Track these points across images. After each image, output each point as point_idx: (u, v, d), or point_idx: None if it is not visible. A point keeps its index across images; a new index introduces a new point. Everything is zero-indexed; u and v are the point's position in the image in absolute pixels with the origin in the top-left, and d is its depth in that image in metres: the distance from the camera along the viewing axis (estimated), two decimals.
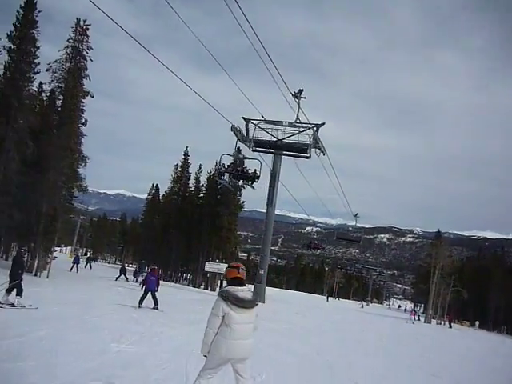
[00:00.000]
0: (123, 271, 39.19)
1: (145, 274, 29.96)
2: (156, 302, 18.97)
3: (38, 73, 32.04)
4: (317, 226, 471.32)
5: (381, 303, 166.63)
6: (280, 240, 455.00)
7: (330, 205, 48.38)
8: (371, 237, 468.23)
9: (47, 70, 34.74)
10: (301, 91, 36.21)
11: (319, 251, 52.32)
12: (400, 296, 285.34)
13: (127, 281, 37.88)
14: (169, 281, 67.04)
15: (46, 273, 31.38)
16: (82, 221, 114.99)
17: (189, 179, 69.96)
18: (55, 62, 35.09)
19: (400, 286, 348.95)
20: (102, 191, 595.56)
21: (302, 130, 36.66)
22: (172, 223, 68.11)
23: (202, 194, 67.93)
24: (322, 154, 37.19)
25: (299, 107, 36.50)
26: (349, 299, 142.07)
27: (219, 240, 58.38)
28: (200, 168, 68.53)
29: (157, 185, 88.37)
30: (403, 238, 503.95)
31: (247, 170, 32.66)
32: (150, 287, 19.33)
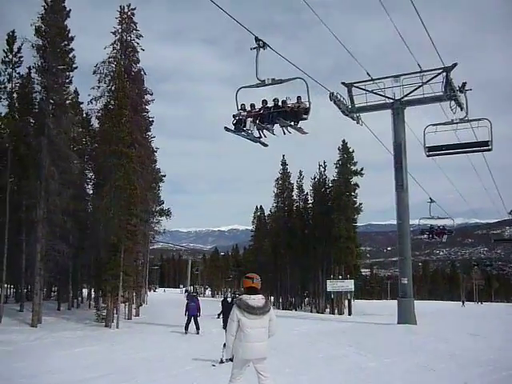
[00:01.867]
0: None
1: None
2: (198, 327, 19.38)
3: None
4: (432, 239, 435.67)
5: None
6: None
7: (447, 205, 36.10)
8: (498, 231, 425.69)
9: (94, 73, 27.78)
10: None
11: (445, 237, 38.41)
12: None
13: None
14: (289, 308, 57.55)
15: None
16: (193, 259, 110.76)
17: (292, 190, 60.83)
18: (103, 62, 28.09)
19: None
20: (216, 229, 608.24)
21: (426, 80, 25.83)
22: (282, 243, 59.06)
23: (309, 204, 58.27)
24: (460, 109, 25.99)
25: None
26: (491, 301, 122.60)
27: (339, 252, 48.05)
28: (301, 175, 59.21)
29: (261, 206, 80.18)
30: None
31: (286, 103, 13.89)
32: (192, 313, 19.51)
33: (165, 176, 40.98)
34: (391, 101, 26.92)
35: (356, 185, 48.53)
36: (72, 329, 22.72)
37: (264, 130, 13.44)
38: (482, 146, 23.36)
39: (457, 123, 23.72)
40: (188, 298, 20.77)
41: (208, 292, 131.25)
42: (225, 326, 18.70)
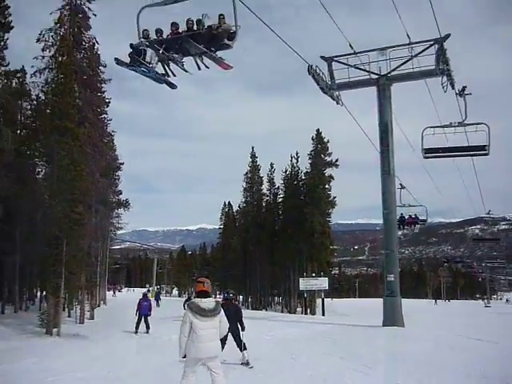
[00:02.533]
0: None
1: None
2: (148, 327, 19.36)
3: None
4: (403, 229, 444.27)
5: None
6: (366, 249, 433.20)
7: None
8: (461, 230, 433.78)
9: (38, 41, 23.83)
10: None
11: (417, 227, 36.28)
12: (508, 288, 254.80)
13: None
14: (258, 308, 54.34)
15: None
16: (159, 257, 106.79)
17: (261, 184, 57.59)
18: (49, 29, 24.16)
19: (503, 278, 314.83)
20: (184, 228, 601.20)
21: (416, 53, 23.01)
22: (252, 239, 55.83)
23: (280, 198, 55.14)
24: (451, 87, 23.30)
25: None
26: (458, 299, 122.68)
27: (312, 248, 45.06)
28: (272, 167, 56.02)
29: (229, 202, 76.89)
30: (497, 227, 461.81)
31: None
32: (143, 312, 19.34)
33: (122, 164, 37.28)
34: (376, 76, 23.98)
35: (331, 177, 45.60)
36: (6, 337, 18.94)
37: (171, 64, 9.74)
38: (480, 150, 21.47)
39: (455, 126, 21.26)
40: (142, 298, 20.11)
41: (175, 291, 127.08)
42: None
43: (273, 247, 52.23)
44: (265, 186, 57.11)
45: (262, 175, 57.80)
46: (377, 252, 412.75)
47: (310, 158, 46.75)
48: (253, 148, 58.69)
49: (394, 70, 23.71)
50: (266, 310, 53.46)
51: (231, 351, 10.27)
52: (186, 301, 25.14)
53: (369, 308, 51.86)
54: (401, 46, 23.54)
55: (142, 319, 19.47)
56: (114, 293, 78.02)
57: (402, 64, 23.56)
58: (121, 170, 36.98)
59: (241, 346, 10.43)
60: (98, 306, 42.13)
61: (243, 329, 10.40)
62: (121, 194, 39.95)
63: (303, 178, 49.87)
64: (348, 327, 22.86)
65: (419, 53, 23.14)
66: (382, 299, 23.92)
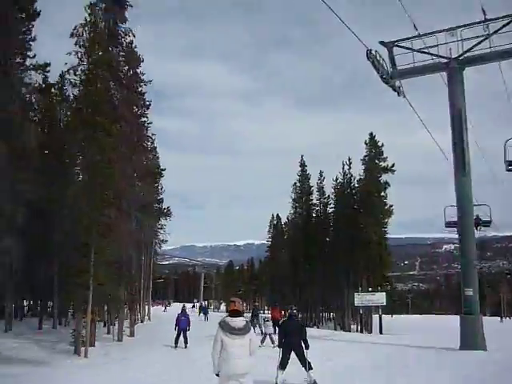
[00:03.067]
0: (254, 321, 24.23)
1: (267, 322, 20.85)
2: (186, 341, 19.12)
3: None
4: (455, 243, 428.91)
5: None
6: (417, 263, 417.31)
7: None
8: None
9: (72, 36, 22.08)
10: None
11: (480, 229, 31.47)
12: None
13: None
14: (309, 325, 50.95)
15: None
16: (206, 272, 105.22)
17: (311, 194, 54.48)
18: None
19: None
20: (231, 243, 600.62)
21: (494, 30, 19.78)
22: (301, 252, 52.73)
23: (330, 208, 51.87)
24: None
25: None
26: None
27: (367, 261, 41.46)
28: (321, 176, 52.78)
29: (277, 214, 74.15)
30: None
31: None
32: (182, 326, 19.22)
33: (164, 170, 35.27)
34: (446, 60, 20.77)
35: (386, 183, 42.04)
36: (31, 357, 16.89)
37: None
38: None
39: None
40: (180, 313, 20.16)
41: (223, 307, 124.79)
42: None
43: (324, 261, 48.93)
44: (314, 196, 54.04)
45: (311, 184, 54.82)
46: (428, 267, 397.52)
47: (363, 164, 43.42)
48: (302, 156, 55.88)
49: (467, 51, 20.41)
50: (318, 327, 49.95)
51: (296, 371, 9.70)
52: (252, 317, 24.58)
53: (427, 326, 47.72)
54: (474, 24, 20.31)
55: (182, 334, 19.40)
56: (165, 308, 77.18)
57: (477, 44, 20.28)
58: (162, 177, 35.07)
59: (306, 364, 9.84)
60: (142, 321, 40.25)
61: (307, 347, 9.90)
62: (162, 202, 38.06)
63: (356, 185, 46.52)
64: (418, 350, 19.44)
65: (497, 31, 19.84)
66: (437, 316, 20.44)
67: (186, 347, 19.19)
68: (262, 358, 12.78)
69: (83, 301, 16.50)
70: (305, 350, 9.87)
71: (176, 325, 19.76)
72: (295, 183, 57.98)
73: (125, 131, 20.74)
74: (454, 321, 22.70)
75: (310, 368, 9.89)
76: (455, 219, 21.50)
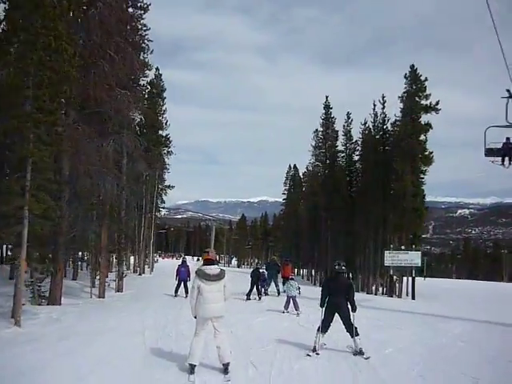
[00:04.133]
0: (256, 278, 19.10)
1: (291, 282, 15.40)
2: (187, 292, 17.97)
3: None
4: (469, 208, 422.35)
5: None
6: (431, 227, 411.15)
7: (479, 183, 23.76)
8: None
9: None
10: None
11: None
12: None
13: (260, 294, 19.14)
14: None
15: None
16: (218, 226, 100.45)
17: (336, 139, 48.17)
18: None
19: None
20: (245, 200, 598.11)
21: None
22: (322, 205, 47.07)
23: (357, 156, 45.69)
24: None
25: None
26: None
27: (401, 214, 35.52)
28: (349, 118, 46.15)
29: (294, 165, 68.44)
30: None
31: None
32: (182, 277, 19.24)
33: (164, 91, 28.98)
34: None
35: (428, 125, 35.50)
36: None
37: None
38: None
39: None
40: (180, 264, 20.16)
41: (234, 262, 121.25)
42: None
43: (348, 214, 43.24)
44: (340, 142, 47.75)
45: (336, 129, 48.47)
46: (441, 231, 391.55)
47: (401, 102, 36.75)
48: (327, 97, 49.15)
49: None
50: None
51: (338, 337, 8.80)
52: (254, 271, 19.69)
53: (453, 289, 42.49)
54: None
55: (182, 284, 19.27)
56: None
57: None
58: (163, 99, 29.01)
59: (352, 330, 8.47)
60: (140, 274, 35.32)
61: (354, 309, 8.56)
62: (161, 128, 32.37)
63: (389, 129, 40.08)
64: (490, 327, 13.58)
65: None
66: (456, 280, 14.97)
67: (186, 297, 17.55)
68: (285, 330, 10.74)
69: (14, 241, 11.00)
70: (351, 313, 8.57)
71: (177, 275, 19.67)
72: (316, 130, 51.88)
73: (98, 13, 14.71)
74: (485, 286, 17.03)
75: (357, 334, 8.50)
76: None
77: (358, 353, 8.28)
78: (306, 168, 57.02)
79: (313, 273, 55.78)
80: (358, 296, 28.72)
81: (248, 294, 18.26)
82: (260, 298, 18.28)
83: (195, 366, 6.63)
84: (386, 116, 39.85)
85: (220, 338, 6.75)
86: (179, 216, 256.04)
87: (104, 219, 19.68)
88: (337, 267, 8.89)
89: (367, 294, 38.49)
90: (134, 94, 17.25)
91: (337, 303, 8.56)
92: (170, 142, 38.38)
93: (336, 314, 8.55)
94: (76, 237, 17.25)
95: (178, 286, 19.36)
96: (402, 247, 33.80)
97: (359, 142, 44.41)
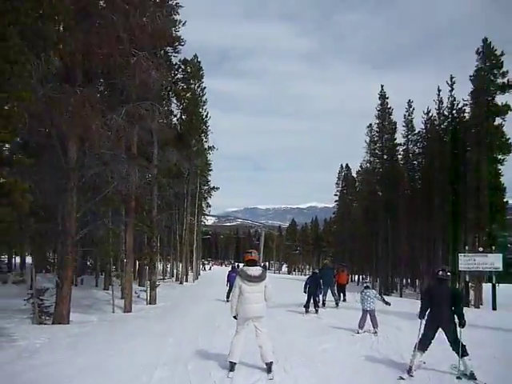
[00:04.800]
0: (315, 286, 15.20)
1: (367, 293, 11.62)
2: None
3: None
4: None
5: None
6: None
7: None
8: None
9: None
10: None
11: None
12: None
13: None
14: (387, 293, 40.99)
15: None
16: (267, 231, 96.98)
17: (394, 132, 43.50)
18: None
19: None
20: (294, 206, 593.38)
21: None
22: (380, 204, 42.54)
23: (418, 149, 40.86)
24: None
25: None
26: None
27: (477, 211, 30.59)
28: (410, 107, 41.44)
29: (346, 164, 63.93)
30: None
31: None
32: (232, 281, 15.41)
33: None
34: None
35: (506, 106, 30.42)
36: None
37: None
38: None
39: None
40: (230, 270, 19.69)
41: (284, 268, 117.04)
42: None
43: (411, 213, 38.59)
44: (399, 134, 43.03)
45: (394, 120, 43.83)
46: None
47: (472, 81, 31.80)
48: (382, 87, 44.61)
49: None
50: (400, 296, 40.02)
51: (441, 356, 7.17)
52: (311, 275, 16.37)
53: None
54: None
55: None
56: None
57: None
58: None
59: (459, 348, 6.90)
60: (181, 283, 32.11)
61: (462, 324, 6.88)
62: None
63: (457, 115, 35.14)
64: None
65: None
66: None
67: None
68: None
69: None
70: (458, 328, 6.90)
71: (228, 281, 19.26)
72: (370, 124, 47.36)
73: None
74: None
75: (465, 354, 6.84)
76: None
77: (469, 376, 6.79)
78: (360, 166, 52.57)
79: (369, 279, 51.08)
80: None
81: (307, 306, 14.76)
82: (317, 311, 14.65)
83: (235, 364, 6.69)
84: (455, 100, 34.88)
85: (262, 337, 6.75)
86: (228, 223, 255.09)
87: (129, 217, 16.43)
88: (440, 273, 7.56)
89: None
90: (157, 61, 13.83)
91: (440, 316, 7.19)
92: (208, 134, 35.26)
93: (439, 329, 7.17)
94: (90, 237, 13.99)
95: (230, 291, 17.29)
96: (480, 249, 28.91)
97: (422, 133, 39.62)
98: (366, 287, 11.43)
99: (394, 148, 42.53)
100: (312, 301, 14.85)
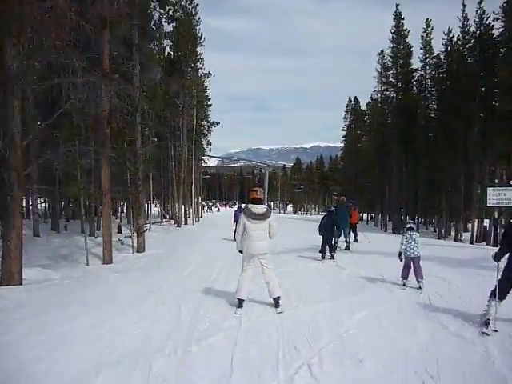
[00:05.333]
0: (331, 226, 12.69)
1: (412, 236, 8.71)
2: None
3: None
4: None
5: None
6: None
7: None
8: None
9: None
10: None
11: None
12: None
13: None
14: (395, 232, 38.35)
15: None
16: (272, 170, 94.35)
17: (410, 56, 39.28)
18: None
19: None
20: (298, 146, 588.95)
21: None
22: (393, 137, 39.08)
23: (437, 74, 36.83)
24: None
25: None
26: None
27: (509, 139, 27.20)
28: (428, 26, 37.03)
29: (355, 97, 59.76)
30: None
31: None
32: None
33: None
34: None
35: None
36: None
37: None
38: None
39: None
40: (237, 210, 19.58)
41: (289, 208, 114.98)
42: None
43: (429, 144, 35.33)
44: (415, 60, 38.93)
45: (410, 44, 39.48)
46: None
47: None
48: (397, 6, 39.82)
49: None
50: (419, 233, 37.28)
51: None
52: (328, 213, 13.30)
53: None
54: None
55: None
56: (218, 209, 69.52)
57: None
58: None
59: None
60: (178, 225, 29.39)
61: None
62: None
63: (484, 31, 30.96)
64: None
65: None
66: None
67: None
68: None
69: None
70: None
71: (234, 221, 18.49)
72: (382, 51, 43.09)
73: None
74: None
75: None
76: None
77: None
78: (371, 97, 48.60)
79: (380, 218, 48.38)
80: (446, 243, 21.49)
81: (323, 251, 12.36)
82: (333, 256, 12.35)
83: (243, 300, 6.61)
84: (484, 13, 30.58)
85: (268, 273, 6.68)
86: (232, 165, 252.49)
87: (104, 148, 13.23)
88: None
89: (454, 241, 31.14)
90: None
91: None
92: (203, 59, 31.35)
93: None
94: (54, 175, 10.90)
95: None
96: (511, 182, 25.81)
97: (442, 56, 35.51)
98: (410, 228, 8.62)
99: (410, 74, 38.45)
100: (328, 245, 12.31)
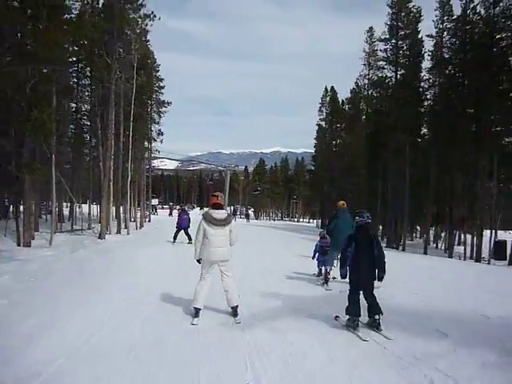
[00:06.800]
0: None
1: None
2: (190, 238, 17.66)
3: None
4: None
5: None
6: None
7: None
8: None
9: None
10: None
11: None
12: None
13: None
14: (392, 246, 29.95)
15: None
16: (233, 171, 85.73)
17: (417, 23, 31.02)
18: None
19: None
20: (258, 151, 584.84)
21: None
22: (386, 129, 30.71)
23: (451, 44, 28.79)
24: None
25: None
26: None
27: None
28: None
29: (332, 87, 51.46)
30: None
31: None
32: (183, 225, 18.25)
33: None
34: None
35: None
36: None
37: None
38: None
39: None
40: (181, 212, 18.94)
41: (251, 213, 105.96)
42: None
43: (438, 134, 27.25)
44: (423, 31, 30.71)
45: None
46: None
47: None
48: None
49: None
50: (403, 249, 29.19)
51: None
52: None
53: None
54: None
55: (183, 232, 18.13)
56: (170, 213, 59.95)
57: None
58: None
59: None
60: (101, 237, 19.59)
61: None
62: None
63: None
64: None
65: None
66: None
67: (189, 243, 17.02)
68: None
69: None
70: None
71: (177, 223, 18.44)
72: (371, 28, 35.25)
73: None
74: None
75: None
76: None
77: None
78: (356, 83, 40.55)
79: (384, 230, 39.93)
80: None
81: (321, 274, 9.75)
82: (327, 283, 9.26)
83: (200, 309, 6.36)
84: None
85: (227, 281, 6.49)
86: (192, 168, 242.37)
87: None
88: None
89: (472, 259, 23.00)
90: None
91: None
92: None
93: None
94: None
95: (177, 232, 18.17)
96: None
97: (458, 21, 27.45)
98: None
99: (420, 43, 30.02)
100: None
